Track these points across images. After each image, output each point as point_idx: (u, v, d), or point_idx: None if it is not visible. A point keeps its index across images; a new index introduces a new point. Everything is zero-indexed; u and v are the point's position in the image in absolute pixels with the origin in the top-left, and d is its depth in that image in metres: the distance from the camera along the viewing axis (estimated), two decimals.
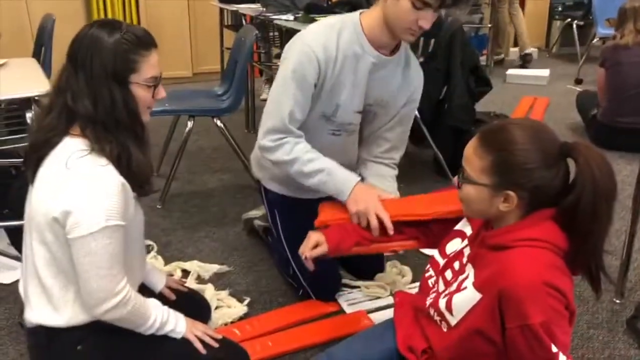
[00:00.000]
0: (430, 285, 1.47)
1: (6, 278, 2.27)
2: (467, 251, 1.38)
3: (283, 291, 2.22)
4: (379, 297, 2.18)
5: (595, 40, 5.66)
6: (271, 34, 4.16)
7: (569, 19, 6.33)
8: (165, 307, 1.50)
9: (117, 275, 1.35)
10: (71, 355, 1.42)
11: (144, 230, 1.58)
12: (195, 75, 5.56)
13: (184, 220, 2.82)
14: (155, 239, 2.57)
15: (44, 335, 1.42)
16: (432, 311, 1.39)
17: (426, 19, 1.72)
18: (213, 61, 5.13)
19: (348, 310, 2.11)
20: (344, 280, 2.24)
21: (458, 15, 4.74)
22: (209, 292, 2.16)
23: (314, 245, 1.64)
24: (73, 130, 1.38)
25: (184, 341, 1.49)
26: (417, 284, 1.60)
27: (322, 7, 3.46)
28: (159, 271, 1.82)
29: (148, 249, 2.42)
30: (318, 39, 1.83)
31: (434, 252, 1.53)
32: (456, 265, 1.39)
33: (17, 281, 2.13)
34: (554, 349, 1.16)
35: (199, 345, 1.49)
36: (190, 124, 2.96)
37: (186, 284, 1.93)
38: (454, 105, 3.14)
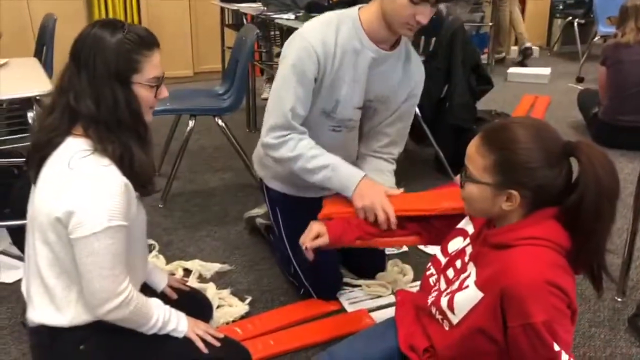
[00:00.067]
0: (432, 284, 1.47)
1: (8, 277, 2.27)
2: (469, 250, 1.38)
3: (284, 290, 2.23)
4: (380, 296, 2.18)
5: (596, 38, 5.65)
6: (272, 33, 4.16)
7: (570, 17, 6.32)
8: (167, 307, 1.50)
9: (120, 276, 1.35)
10: (73, 354, 1.42)
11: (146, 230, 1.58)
12: (196, 74, 5.57)
13: (185, 219, 2.82)
14: (157, 238, 2.57)
15: (47, 335, 1.42)
16: (433, 310, 1.39)
17: (423, 14, 1.72)
18: (214, 60, 5.13)
19: (349, 309, 2.11)
20: (345, 279, 2.24)
21: (459, 13, 4.75)
22: (211, 291, 2.17)
23: (315, 235, 1.64)
24: (75, 130, 1.38)
25: (186, 340, 1.49)
26: (419, 282, 1.60)
27: (323, 5, 3.45)
28: (161, 270, 1.82)
29: (149, 248, 2.43)
30: (316, 35, 1.83)
31: (435, 251, 1.53)
32: (458, 263, 1.39)
33: (19, 280, 2.13)
34: (556, 347, 1.16)
35: (200, 345, 1.49)
36: (191, 123, 2.96)
37: (188, 283, 1.94)
38: (455, 104, 3.14)
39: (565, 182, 1.22)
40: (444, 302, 1.34)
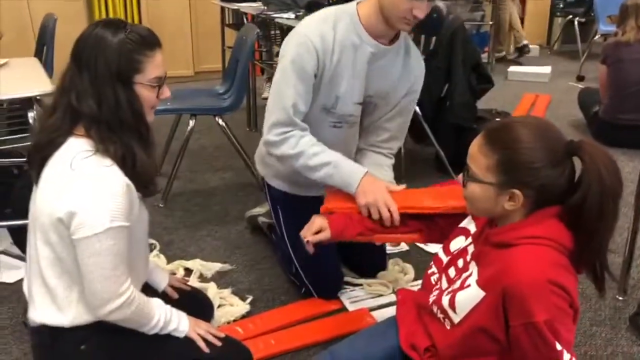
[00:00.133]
0: (433, 283, 1.47)
1: (9, 277, 2.27)
2: (471, 249, 1.38)
3: (285, 289, 2.23)
4: (381, 295, 2.18)
5: (596, 37, 5.65)
6: (272, 32, 4.16)
7: (571, 16, 6.32)
8: (168, 307, 1.50)
9: (122, 276, 1.35)
10: (75, 355, 1.42)
11: None
12: (197, 74, 5.56)
13: (186, 218, 2.82)
14: (158, 237, 2.57)
15: (48, 335, 1.42)
16: (435, 308, 1.39)
17: (420, 9, 1.72)
18: (214, 60, 5.13)
19: (350, 308, 2.11)
20: (346, 278, 2.24)
21: (459, 12, 4.75)
22: (212, 290, 2.17)
23: (317, 229, 1.63)
24: (77, 130, 1.38)
25: (187, 340, 1.49)
26: (420, 281, 1.59)
27: (323, 5, 3.44)
28: (162, 270, 1.82)
29: (150, 248, 2.42)
30: (314, 30, 1.82)
31: (436, 250, 1.53)
32: (460, 262, 1.39)
33: (20, 280, 2.14)
34: (558, 346, 1.16)
35: (202, 344, 1.49)
36: (191, 122, 2.96)
37: (189, 283, 1.94)
38: (456, 103, 3.14)
39: (568, 181, 1.22)
40: (445, 300, 1.34)
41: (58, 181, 1.34)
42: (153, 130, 1.48)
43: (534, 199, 1.23)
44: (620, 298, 2.17)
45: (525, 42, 6.14)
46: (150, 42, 1.40)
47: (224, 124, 3.03)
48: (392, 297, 2.15)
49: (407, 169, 3.07)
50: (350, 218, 1.72)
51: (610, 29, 4.63)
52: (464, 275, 1.34)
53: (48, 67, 3.17)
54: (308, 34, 1.81)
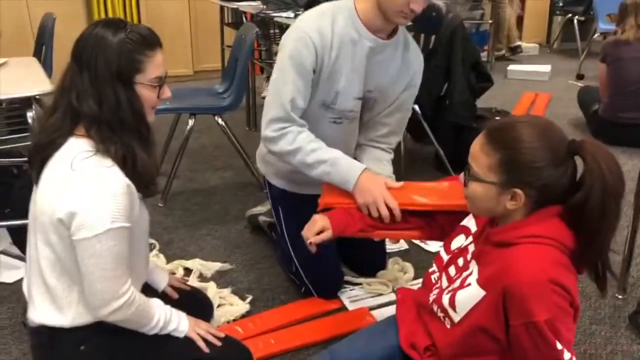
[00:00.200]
0: (433, 281, 1.47)
1: (9, 277, 2.27)
2: (471, 248, 1.37)
3: (285, 288, 2.23)
4: (381, 294, 2.18)
5: (596, 35, 5.66)
6: (272, 31, 4.16)
7: (570, 15, 6.32)
8: (168, 307, 1.50)
9: (122, 277, 1.35)
10: (74, 355, 1.42)
11: None
12: (196, 73, 5.56)
13: (185, 218, 2.82)
14: (157, 237, 2.57)
15: (47, 335, 1.42)
16: (435, 307, 1.39)
17: (418, 2, 1.72)
18: (214, 59, 5.13)
19: (350, 307, 2.11)
20: (346, 278, 2.24)
21: (459, 11, 4.74)
22: (211, 290, 2.17)
23: (319, 230, 1.62)
24: (78, 130, 1.37)
25: (187, 340, 1.49)
26: (419, 280, 1.59)
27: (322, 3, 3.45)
28: (162, 270, 1.82)
29: (150, 247, 2.41)
30: (312, 25, 1.82)
31: (436, 249, 1.53)
32: (460, 261, 1.39)
33: (19, 280, 2.14)
34: (559, 346, 1.16)
35: (201, 344, 1.49)
36: (191, 122, 2.96)
37: (188, 282, 1.94)
38: (455, 102, 3.14)
39: (570, 181, 1.22)
40: (445, 299, 1.34)
41: (58, 182, 1.34)
42: (153, 130, 1.47)
43: (536, 198, 1.23)
44: (620, 296, 2.17)
45: (518, 43, 6.18)
46: (150, 41, 1.40)
47: (223, 123, 3.02)
48: (392, 296, 2.15)
49: (406, 168, 3.07)
50: (351, 215, 1.71)
51: (610, 28, 4.63)
52: (464, 274, 1.34)
53: (47, 66, 3.17)
54: (306, 29, 1.81)
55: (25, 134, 2.41)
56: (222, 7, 4.59)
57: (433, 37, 3.22)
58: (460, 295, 1.30)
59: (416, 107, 2.92)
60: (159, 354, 1.47)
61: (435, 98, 3.23)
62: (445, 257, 1.47)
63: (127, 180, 1.34)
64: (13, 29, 4.65)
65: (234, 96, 3.06)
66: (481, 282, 1.26)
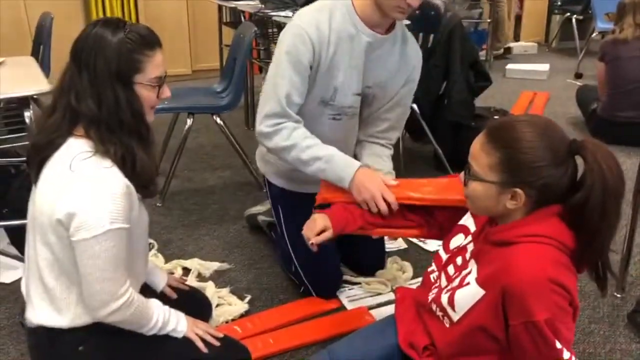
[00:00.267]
0: (432, 280, 1.47)
1: (7, 277, 2.26)
2: (470, 247, 1.37)
3: (284, 288, 2.22)
4: (379, 294, 2.18)
5: (594, 34, 5.66)
6: (270, 30, 4.15)
7: (568, 14, 6.33)
8: (166, 307, 1.49)
9: (121, 278, 1.35)
10: (73, 356, 1.42)
11: None
12: (195, 72, 5.56)
13: (184, 218, 2.81)
14: (156, 237, 2.56)
15: (45, 336, 1.42)
16: (434, 306, 1.38)
17: None
18: (212, 58, 5.12)
19: (349, 306, 2.11)
20: (345, 277, 2.24)
21: (457, 10, 4.74)
22: (210, 289, 2.16)
23: (320, 230, 1.61)
24: (77, 131, 1.36)
25: (186, 340, 1.49)
26: (418, 280, 1.59)
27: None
28: (161, 270, 1.82)
29: (149, 247, 2.42)
30: (309, 21, 1.81)
31: (435, 248, 1.53)
32: (459, 260, 1.39)
33: (17, 280, 2.13)
34: (558, 345, 1.15)
35: (200, 344, 1.49)
36: (189, 121, 2.96)
37: (187, 282, 1.94)
38: (454, 101, 3.14)
39: (570, 180, 1.22)
40: (444, 298, 1.34)
41: (57, 182, 1.33)
42: (152, 130, 1.47)
43: (536, 198, 1.22)
44: (619, 295, 2.17)
45: (510, 44, 6.26)
46: (150, 41, 1.39)
47: (221, 123, 3.02)
48: (391, 296, 2.15)
49: (405, 167, 3.08)
50: (350, 212, 1.71)
51: (608, 27, 4.63)
52: (464, 272, 1.34)
53: (45, 66, 3.16)
54: (303, 24, 1.81)
55: (22, 134, 2.40)
56: (220, 7, 4.58)
57: (431, 36, 3.22)
58: (459, 295, 1.30)
59: (415, 106, 2.92)
60: (157, 354, 1.47)
61: (434, 97, 3.23)
62: (444, 256, 1.47)
63: (126, 181, 1.34)
64: (10, 28, 4.65)
65: (232, 95, 3.06)
66: (480, 281, 1.26)
